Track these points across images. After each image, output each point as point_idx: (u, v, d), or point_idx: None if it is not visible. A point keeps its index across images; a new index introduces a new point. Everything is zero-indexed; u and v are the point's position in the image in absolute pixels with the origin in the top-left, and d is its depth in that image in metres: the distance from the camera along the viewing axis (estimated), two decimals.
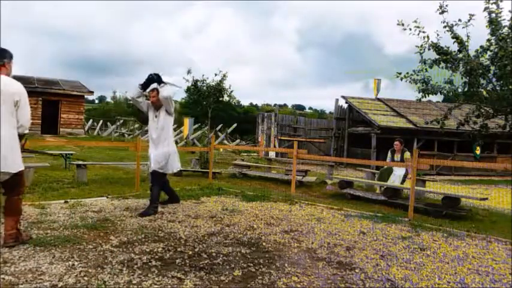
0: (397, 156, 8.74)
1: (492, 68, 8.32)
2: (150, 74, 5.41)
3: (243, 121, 36.36)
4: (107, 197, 6.41)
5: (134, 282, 3.00)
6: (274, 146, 20.87)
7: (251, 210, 5.98)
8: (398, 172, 8.66)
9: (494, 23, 8.08)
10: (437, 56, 8.61)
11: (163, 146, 5.55)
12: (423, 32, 8.53)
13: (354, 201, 7.94)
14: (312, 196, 8.39)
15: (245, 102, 57.97)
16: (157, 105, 5.51)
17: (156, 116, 5.54)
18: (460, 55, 8.41)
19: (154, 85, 5.44)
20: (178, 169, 6.05)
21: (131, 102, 6.00)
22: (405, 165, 8.11)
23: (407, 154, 8.56)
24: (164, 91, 5.36)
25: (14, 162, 3.58)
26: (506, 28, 8.00)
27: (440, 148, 19.33)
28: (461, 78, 8.62)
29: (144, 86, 5.47)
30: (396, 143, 8.86)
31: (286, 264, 3.56)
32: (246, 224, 5.07)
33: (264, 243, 4.20)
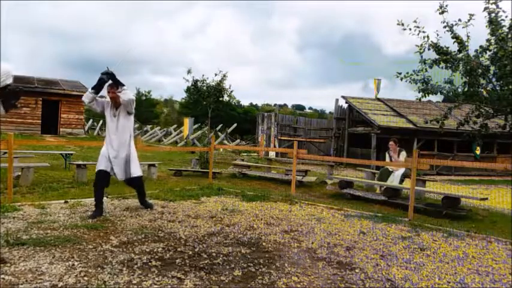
0: (395, 157, 8.72)
1: (492, 68, 8.32)
2: (101, 77, 5.06)
3: (243, 121, 36.35)
4: (107, 197, 6.40)
5: (134, 282, 3.00)
6: (274, 146, 20.87)
7: (251, 210, 5.99)
8: (397, 172, 8.65)
9: (494, 23, 8.08)
10: (437, 56, 8.61)
11: (123, 149, 5.28)
12: (423, 31, 8.55)
13: (354, 201, 7.93)
14: (312, 196, 8.38)
15: (245, 102, 57.86)
16: (116, 103, 5.23)
17: (115, 115, 5.27)
18: (460, 55, 8.41)
19: (109, 82, 5.14)
20: (137, 175, 5.50)
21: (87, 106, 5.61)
22: (405, 165, 8.10)
23: (402, 155, 8.56)
24: (124, 95, 5.14)
25: None
26: (505, 28, 8.01)
27: (440, 148, 19.32)
28: (461, 78, 8.62)
29: (97, 89, 5.15)
30: (391, 143, 8.76)
31: (286, 264, 3.56)
32: (246, 224, 5.07)
33: (264, 243, 4.20)
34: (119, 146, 5.28)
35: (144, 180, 6.00)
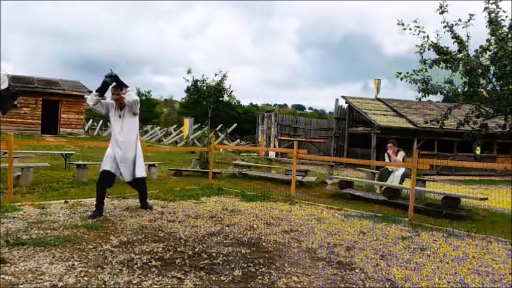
0: (393, 157, 8.73)
1: (492, 68, 8.32)
2: (105, 80, 5.05)
3: (243, 121, 36.37)
4: (107, 197, 6.39)
5: (134, 282, 3.00)
6: (274, 146, 20.87)
7: (251, 210, 5.98)
8: (397, 172, 8.65)
9: (494, 23, 8.08)
10: (437, 56, 8.61)
11: (129, 149, 5.29)
12: (423, 31, 8.55)
13: (354, 201, 7.94)
14: (312, 196, 8.38)
15: (245, 102, 57.91)
16: (121, 104, 5.25)
17: (120, 116, 5.28)
18: (460, 55, 8.41)
19: (113, 84, 5.15)
20: (142, 176, 5.49)
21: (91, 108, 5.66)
22: (405, 165, 8.11)
23: (400, 155, 8.58)
24: (129, 96, 5.16)
25: None
26: (505, 28, 8.01)
27: (440, 148, 19.34)
28: (461, 78, 8.63)
29: (101, 92, 5.15)
30: (389, 145, 8.78)
31: (286, 264, 3.56)
32: (246, 224, 5.07)
33: (264, 243, 4.20)
34: (126, 147, 5.29)
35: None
